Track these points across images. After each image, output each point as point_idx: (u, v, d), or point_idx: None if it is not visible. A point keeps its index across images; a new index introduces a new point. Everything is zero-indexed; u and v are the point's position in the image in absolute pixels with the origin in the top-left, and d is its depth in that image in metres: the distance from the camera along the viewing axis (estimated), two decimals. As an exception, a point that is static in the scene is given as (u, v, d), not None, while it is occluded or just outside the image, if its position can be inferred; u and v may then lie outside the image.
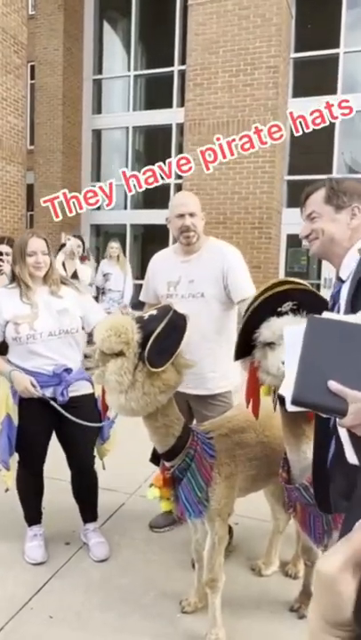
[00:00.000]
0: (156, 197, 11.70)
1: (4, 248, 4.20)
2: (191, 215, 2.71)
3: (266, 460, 2.27)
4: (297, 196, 1.78)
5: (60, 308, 2.62)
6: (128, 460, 3.43)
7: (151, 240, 12.51)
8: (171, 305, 2.04)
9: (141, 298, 3.07)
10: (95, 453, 2.90)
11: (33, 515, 2.87)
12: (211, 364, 2.70)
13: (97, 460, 2.91)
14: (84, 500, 2.92)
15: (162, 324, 1.87)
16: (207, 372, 2.71)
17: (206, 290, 2.69)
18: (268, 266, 9.16)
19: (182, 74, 11.23)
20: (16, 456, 2.70)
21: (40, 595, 2.51)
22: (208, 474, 2.08)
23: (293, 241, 10.59)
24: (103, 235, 13.93)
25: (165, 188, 10.67)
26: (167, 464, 2.13)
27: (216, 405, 2.77)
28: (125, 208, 13.34)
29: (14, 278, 2.68)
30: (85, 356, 1.98)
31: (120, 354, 1.84)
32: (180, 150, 11.19)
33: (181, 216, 2.71)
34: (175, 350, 1.89)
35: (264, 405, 2.44)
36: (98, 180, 13.88)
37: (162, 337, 1.85)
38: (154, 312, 1.98)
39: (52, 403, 2.57)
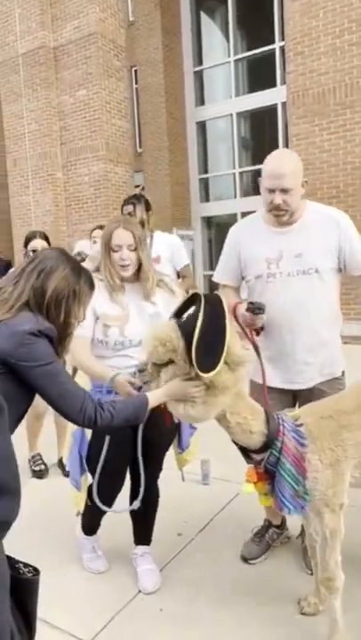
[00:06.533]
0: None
1: (39, 243, 3.68)
2: (284, 191, 2.18)
3: None
4: None
5: (152, 312, 2.30)
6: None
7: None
8: (197, 291, 1.83)
9: (216, 279, 2.58)
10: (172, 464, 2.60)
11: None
12: (331, 354, 2.34)
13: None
14: (141, 519, 2.57)
15: (198, 323, 1.66)
16: (325, 363, 2.33)
17: (321, 264, 2.23)
18: (392, 238, 8.37)
19: (284, 50, 10.73)
20: (88, 476, 2.40)
21: (150, 586, 2.43)
22: (301, 464, 1.85)
23: None
24: (215, 227, 13.83)
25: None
26: (256, 457, 1.93)
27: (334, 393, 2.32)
28: (235, 197, 13.12)
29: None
30: (140, 371, 1.89)
31: (170, 362, 1.77)
32: (286, 129, 10.70)
33: (271, 191, 2.21)
34: (222, 348, 1.66)
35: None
36: (205, 172, 13.82)
37: (203, 337, 1.65)
38: (190, 310, 1.80)
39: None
